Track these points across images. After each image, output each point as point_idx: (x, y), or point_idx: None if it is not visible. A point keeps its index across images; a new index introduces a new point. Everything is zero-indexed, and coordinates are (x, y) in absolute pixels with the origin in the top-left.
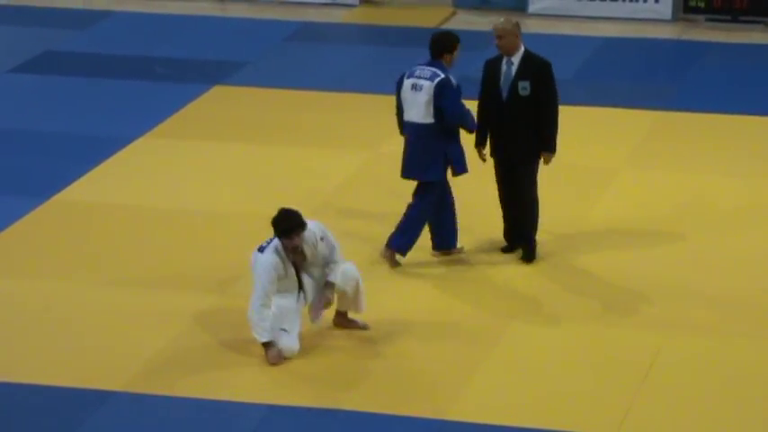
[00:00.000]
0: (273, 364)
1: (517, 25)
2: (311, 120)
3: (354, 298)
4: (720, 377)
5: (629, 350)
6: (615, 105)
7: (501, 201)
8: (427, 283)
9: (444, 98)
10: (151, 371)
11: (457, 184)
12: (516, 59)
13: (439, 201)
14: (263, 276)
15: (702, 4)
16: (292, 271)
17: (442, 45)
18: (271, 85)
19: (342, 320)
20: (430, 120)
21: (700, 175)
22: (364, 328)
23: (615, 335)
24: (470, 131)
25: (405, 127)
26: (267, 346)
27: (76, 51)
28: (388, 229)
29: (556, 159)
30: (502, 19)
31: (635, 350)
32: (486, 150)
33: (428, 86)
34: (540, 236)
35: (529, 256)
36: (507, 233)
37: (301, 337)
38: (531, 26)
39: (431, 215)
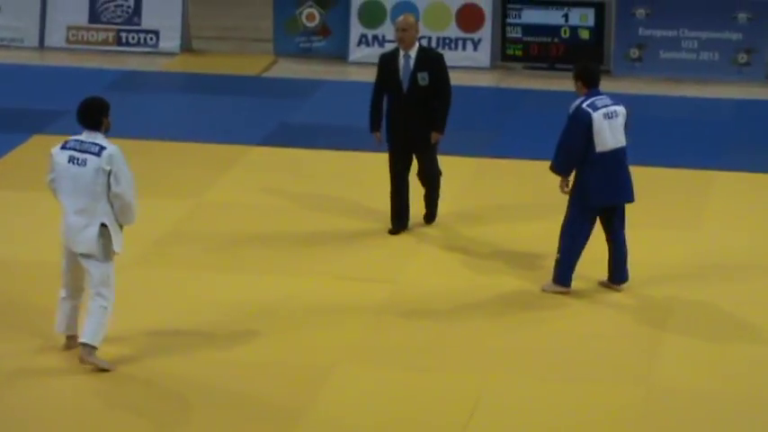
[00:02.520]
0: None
1: (416, 22)
2: (133, 169)
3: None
4: (541, 423)
5: (452, 395)
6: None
7: (394, 184)
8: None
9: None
10: None
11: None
12: (413, 53)
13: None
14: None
15: (519, 53)
16: None
17: (597, 75)
18: None
19: (83, 355)
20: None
21: (522, 223)
22: (109, 369)
23: (437, 380)
24: None
25: (603, 156)
26: None
27: None
28: (214, 275)
29: (375, 205)
30: (401, 17)
31: (457, 395)
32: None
33: (621, 110)
34: (362, 284)
35: (432, 218)
36: (396, 216)
37: None
38: (351, 74)
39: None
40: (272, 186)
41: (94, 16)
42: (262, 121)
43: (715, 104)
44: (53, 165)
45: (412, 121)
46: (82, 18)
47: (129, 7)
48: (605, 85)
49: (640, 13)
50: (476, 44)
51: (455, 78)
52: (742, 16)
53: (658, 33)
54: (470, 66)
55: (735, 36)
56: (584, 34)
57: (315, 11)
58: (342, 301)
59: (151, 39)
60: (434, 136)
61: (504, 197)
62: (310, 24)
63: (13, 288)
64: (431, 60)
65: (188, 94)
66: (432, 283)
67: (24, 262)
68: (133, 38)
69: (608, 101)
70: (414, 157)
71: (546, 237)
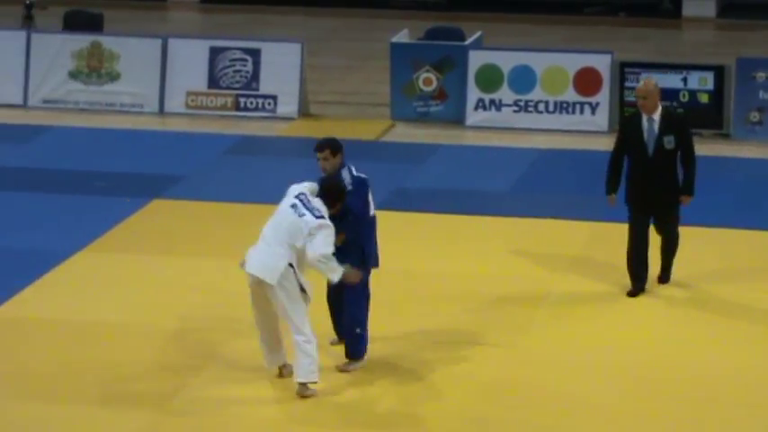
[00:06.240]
0: (356, 281)
1: (657, 86)
2: (250, 233)
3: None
4: None
5: None
6: (552, 217)
7: (634, 247)
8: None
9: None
10: None
11: None
12: (657, 117)
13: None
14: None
15: None
16: None
17: None
18: (209, 198)
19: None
20: None
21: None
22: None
23: None
24: None
25: (373, 219)
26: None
27: (15, 166)
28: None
29: (493, 269)
30: (642, 82)
31: None
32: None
33: None
34: (484, 348)
35: (667, 278)
36: (636, 277)
37: None
38: (468, 138)
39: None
40: (389, 251)
41: (214, 82)
42: (379, 186)
43: None
44: None
45: (657, 184)
46: (201, 84)
47: (247, 72)
48: (724, 148)
49: (761, 76)
50: (593, 108)
51: (573, 142)
52: None
53: None
54: (588, 130)
55: None
56: (704, 98)
57: (432, 75)
58: (460, 366)
59: (269, 104)
60: (686, 199)
61: (620, 260)
62: (427, 89)
63: (131, 351)
64: (676, 123)
65: (305, 159)
66: (553, 348)
67: (141, 325)
68: (251, 103)
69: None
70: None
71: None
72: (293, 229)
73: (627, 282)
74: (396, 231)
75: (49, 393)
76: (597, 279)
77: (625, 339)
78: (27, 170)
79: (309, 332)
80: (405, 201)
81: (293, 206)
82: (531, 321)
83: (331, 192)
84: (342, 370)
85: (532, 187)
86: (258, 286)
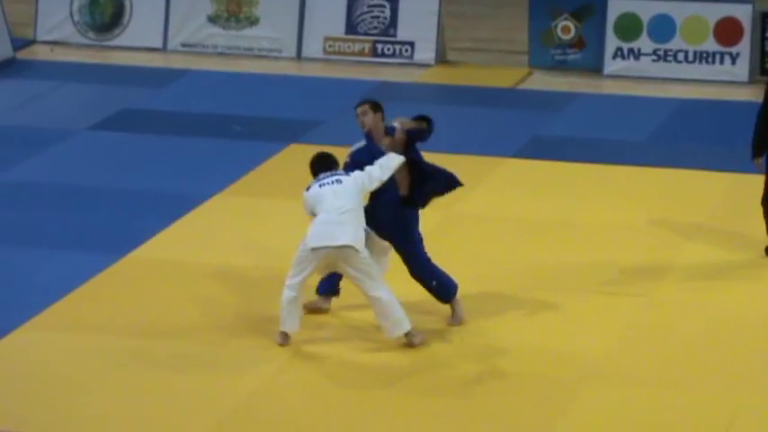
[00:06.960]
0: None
1: None
2: None
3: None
4: None
5: (705, 413)
6: (691, 167)
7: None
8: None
9: None
10: (222, 424)
11: None
12: None
13: None
14: None
15: None
16: None
17: None
18: (346, 143)
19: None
20: None
21: None
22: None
23: (690, 398)
24: None
25: None
26: None
27: (154, 109)
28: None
29: (628, 219)
30: None
31: (711, 413)
32: None
33: None
34: (614, 298)
35: None
36: None
37: None
38: (607, 87)
39: None
40: (525, 199)
41: (351, 27)
42: (515, 134)
43: None
44: None
45: None
46: (339, 29)
47: (385, 19)
48: None
49: None
50: (734, 58)
51: (712, 92)
52: None
53: None
54: (728, 80)
55: None
56: None
57: (570, 23)
58: (594, 315)
59: (406, 50)
60: None
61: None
62: (565, 37)
63: (268, 294)
64: None
65: (442, 106)
66: (687, 299)
67: (277, 269)
68: (389, 49)
69: None
70: None
71: None
72: (356, 189)
73: (763, 236)
74: (531, 180)
75: (179, 333)
76: (733, 232)
77: (755, 307)
78: (165, 113)
79: (386, 287)
80: (540, 149)
81: (335, 181)
82: (661, 277)
83: (322, 161)
84: (451, 324)
85: (670, 137)
86: (333, 257)
